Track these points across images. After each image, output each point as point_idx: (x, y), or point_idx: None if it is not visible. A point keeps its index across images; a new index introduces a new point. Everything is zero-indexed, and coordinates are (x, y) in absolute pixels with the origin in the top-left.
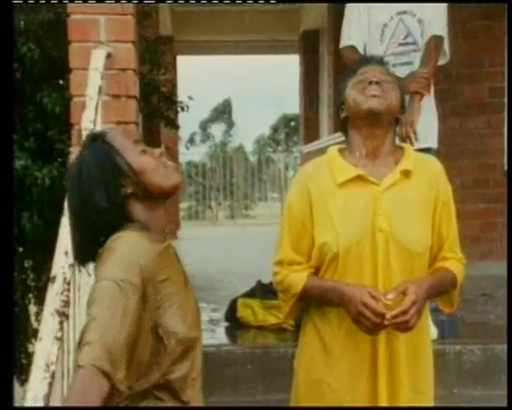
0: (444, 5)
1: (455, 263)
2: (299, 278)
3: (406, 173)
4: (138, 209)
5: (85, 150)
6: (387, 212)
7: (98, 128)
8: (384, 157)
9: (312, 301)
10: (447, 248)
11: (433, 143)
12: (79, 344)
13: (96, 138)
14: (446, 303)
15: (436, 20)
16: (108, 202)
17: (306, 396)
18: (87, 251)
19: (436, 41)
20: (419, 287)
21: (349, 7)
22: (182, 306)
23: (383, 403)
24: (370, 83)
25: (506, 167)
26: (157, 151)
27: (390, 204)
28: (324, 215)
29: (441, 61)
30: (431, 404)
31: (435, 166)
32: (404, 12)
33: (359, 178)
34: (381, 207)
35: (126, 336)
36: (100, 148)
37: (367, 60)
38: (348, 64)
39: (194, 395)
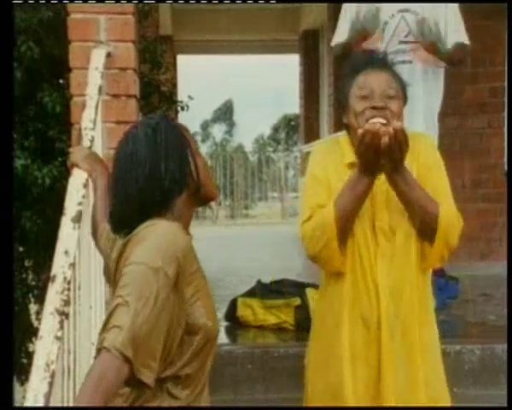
0: (456, 7)
1: (441, 206)
2: (326, 207)
3: None
4: (180, 202)
5: (162, 121)
6: (385, 207)
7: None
8: None
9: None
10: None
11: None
12: (105, 325)
13: (168, 118)
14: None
15: (458, 27)
16: (180, 175)
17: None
18: (124, 220)
19: (461, 49)
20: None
21: (344, 9)
22: (207, 298)
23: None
24: (374, 108)
25: (506, 167)
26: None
27: (387, 198)
28: (337, 187)
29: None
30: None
31: (421, 140)
32: (407, 10)
33: None
34: (379, 201)
35: (155, 324)
36: (177, 126)
37: (371, 60)
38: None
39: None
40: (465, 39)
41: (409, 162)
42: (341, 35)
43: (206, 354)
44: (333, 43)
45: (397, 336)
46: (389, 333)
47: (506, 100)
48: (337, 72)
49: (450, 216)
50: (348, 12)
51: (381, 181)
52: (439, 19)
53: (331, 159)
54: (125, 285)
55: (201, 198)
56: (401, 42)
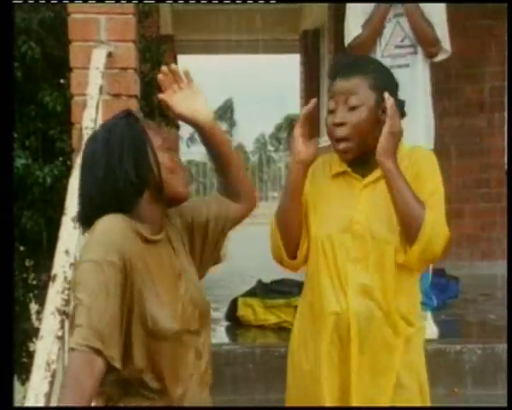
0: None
1: (427, 211)
2: None
3: None
4: (144, 201)
5: (119, 121)
6: (365, 208)
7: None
8: (374, 158)
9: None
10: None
11: (426, 143)
12: (70, 329)
13: (131, 116)
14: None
15: (434, 9)
16: (136, 176)
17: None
18: (88, 219)
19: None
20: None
21: (349, 7)
22: (166, 295)
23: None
24: (335, 124)
25: (506, 167)
26: (176, 156)
27: (368, 200)
28: (319, 202)
29: (441, 57)
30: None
31: (417, 153)
32: (401, 14)
33: (346, 173)
34: (360, 202)
35: (112, 313)
36: (134, 124)
37: (338, 68)
38: None
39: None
40: (447, 46)
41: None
42: (355, 30)
43: (158, 353)
44: (348, 42)
45: (366, 338)
46: (358, 337)
47: (506, 100)
48: None
49: (435, 224)
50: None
51: (364, 183)
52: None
53: (319, 173)
54: (77, 285)
55: (167, 198)
56: (397, 46)
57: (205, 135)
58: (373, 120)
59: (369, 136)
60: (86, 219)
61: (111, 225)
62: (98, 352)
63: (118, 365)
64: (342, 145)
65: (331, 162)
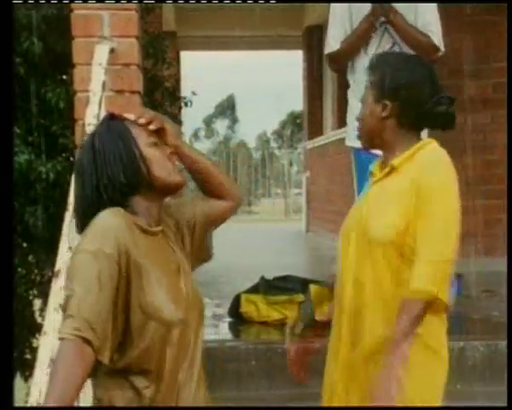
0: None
1: (418, 280)
2: None
3: (394, 168)
4: (139, 198)
5: (101, 126)
6: (370, 202)
7: None
8: (390, 156)
9: None
10: (419, 248)
11: None
12: (62, 319)
13: (114, 118)
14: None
15: (430, 17)
16: (125, 178)
17: None
18: (82, 221)
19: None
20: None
21: (332, 12)
22: (163, 284)
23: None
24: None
25: (506, 165)
26: (168, 150)
27: (374, 195)
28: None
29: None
30: None
31: (425, 157)
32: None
33: (372, 171)
34: (368, 197)
35: (104, 305)
36: (117, 126)
37: None
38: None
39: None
40: (441, 44)
41: (408, 186)
42: (333, 44)
43: (163, 344)
44: (328, 51)
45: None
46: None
47: (506, 99)
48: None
49: (433, 273)
50: (339, 14)
51: (374, 181)
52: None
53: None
54: (71, 275)
55: (158, 188)
56: None
57: (179, 157)
58: (374, 118)
59: (371, 129)
60: (82, 224)
61: (109, 218)
62: (88, 342)
63: (105, 358)
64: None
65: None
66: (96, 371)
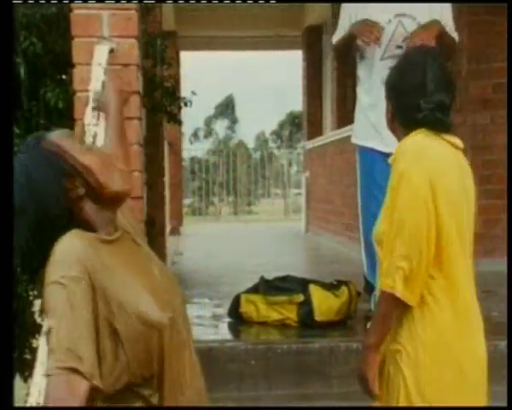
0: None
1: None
2: None
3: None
4: (87, 209)
5: (25, 158)
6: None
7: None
8: None
9: None
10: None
11: None
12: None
13: (34, 143)
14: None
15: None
16: (57, 208)
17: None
18: (39, 259)
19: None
20: None
21: (344, 7)
22: (144, 289)
23: None
24: None
25: (506, 164)
26: (113, 155)
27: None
28: None
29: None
30: None
31: (398, 146)
32: (404, 14)
33: None
34: None
35: (82, 329)
36: (38, 154)
37: None
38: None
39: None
40: (456, 37)
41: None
42: (342, 31)
43: (159, 348)
44: (334, 40)
45: None
46: None
47: (506, 99)
48: (340, 67)
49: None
50: (347, 11)
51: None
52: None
53: None
54: (46, 312)
55: (103, 196)
56: (398, 46)
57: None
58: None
59: (391, 130)
60: (38, 265)
61: (68, 242)
62: (76, 371)
63: (97, 382)
64: None
65: None
66: (93, 401)
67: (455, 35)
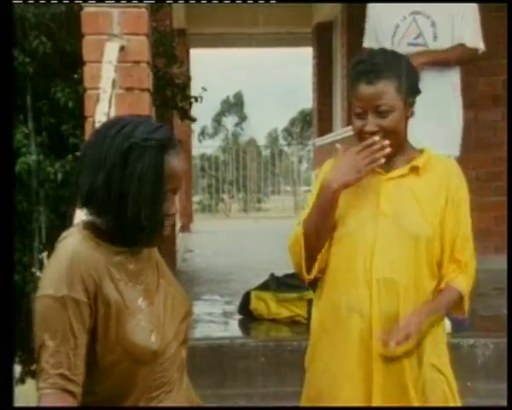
0: (473, 8)
1: (460, 278)
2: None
3: (415, 170)
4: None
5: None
6: (391, 199)
7: None
8: (399, 156)
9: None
10: (458, 248)
11: (452, 151)
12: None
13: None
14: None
15: (469, 28)
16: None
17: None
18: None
19: (463, 50)
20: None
21: (369, 7)
22: (146, 311)
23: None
24: (366, 132)
25: (507, 163)
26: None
27: (395, 192)
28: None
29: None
30: None
31: (449, 165)
32: (418, 12)
33: None
34: (385, 193)
35: (80, 351)
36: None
37: (363, 71)
38: None
39: None
40: (479, 45)
41: (437, 187)
42: (372, 35)
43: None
44: (365, 45)
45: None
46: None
47: (506, 99)
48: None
49: (469, 282)
50: (370, 14)
51: (389, 177)
52: (454, 21)
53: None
54: (38, 322)
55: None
56: (410, 44)
57: None
58: (403, 121)
59: (401, 135)
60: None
61: (74, 249)
62: (68, 392)
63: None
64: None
65: None
66: None
67: (478, 43)
